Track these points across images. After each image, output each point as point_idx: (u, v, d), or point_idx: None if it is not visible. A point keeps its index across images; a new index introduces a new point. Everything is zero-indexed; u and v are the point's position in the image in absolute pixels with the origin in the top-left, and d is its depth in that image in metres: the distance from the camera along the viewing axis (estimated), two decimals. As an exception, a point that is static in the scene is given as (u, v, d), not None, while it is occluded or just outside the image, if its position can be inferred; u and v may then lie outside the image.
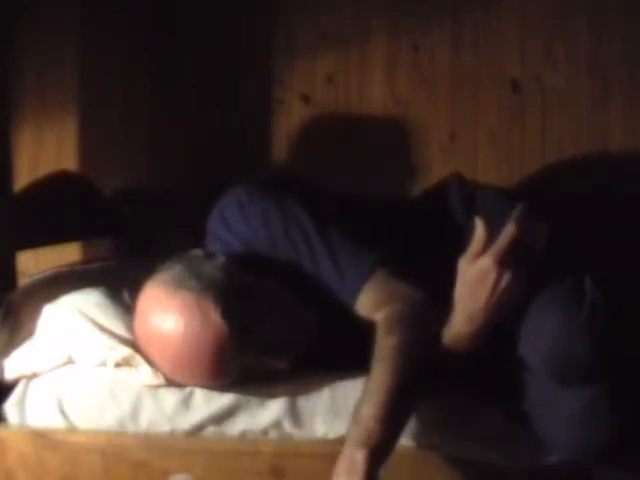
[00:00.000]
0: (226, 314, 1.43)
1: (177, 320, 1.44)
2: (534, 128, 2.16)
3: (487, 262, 1.42)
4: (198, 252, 1.54)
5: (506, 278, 1.42)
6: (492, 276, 1.42)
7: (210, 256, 1.52)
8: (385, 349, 1.41)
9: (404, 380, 1.37)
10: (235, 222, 1.57)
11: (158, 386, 1.51)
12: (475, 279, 1.43)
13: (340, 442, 1.44)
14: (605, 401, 1.42)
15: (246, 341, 1.44)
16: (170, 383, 1.51)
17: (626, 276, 1.52)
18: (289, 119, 2.26)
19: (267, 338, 1.46)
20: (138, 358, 1.51)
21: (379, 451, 1.33)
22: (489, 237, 1.43)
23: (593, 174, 2.12)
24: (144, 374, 1.50)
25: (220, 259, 1.51)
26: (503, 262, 1.42)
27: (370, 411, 1.34)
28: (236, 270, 1.50)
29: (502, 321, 1.45)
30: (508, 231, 1.42)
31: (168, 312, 1.45)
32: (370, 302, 1.49)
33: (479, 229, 1.44)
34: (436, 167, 2.18)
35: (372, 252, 1.52)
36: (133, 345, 1.53)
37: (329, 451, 1.43)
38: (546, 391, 1.44)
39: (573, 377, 1.40)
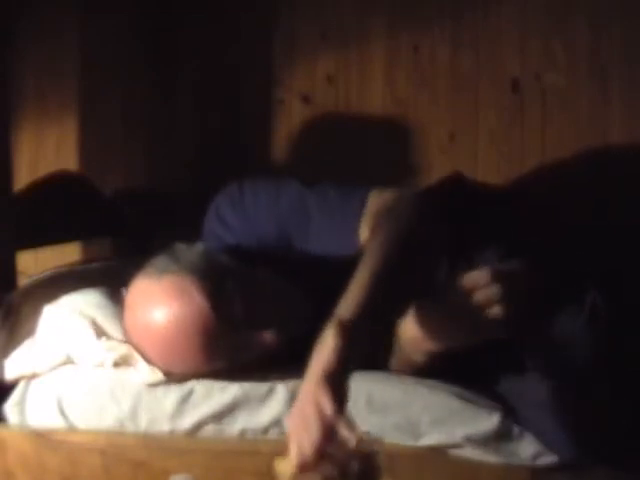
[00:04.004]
0: (206, 291, 1.43)
1: (160, 305, 1.45)
2: (534, 128, 2.16)
3: None
4: (180, 244, 1.56)
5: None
6: None
7: (190, 245, 1.54)
8: (369, 246, 1.35)
9: (386, 269, 1.29)
10: (231, 217, 1.59)
11: (157, 383, 1.51)
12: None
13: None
14: (606, 402, 1.42)
15: (230, 315, 1.44)
16: (168, 377, 1.51)
17: (626, 276, 1.52)
18: (289, 119, 2.26)
19: (252, 311, 1.46)
20: (135, 356, 1.51)
21: (352, 327, 1.22)
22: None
23: (593, 174, 2.12)
24: (142, 372, 1.51)
25: (199, 246, 1.54)
26: None
27: (345, 304, 1.25)
28: (216, 254, 1.53)
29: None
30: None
31: (151, 299, 1.46)
32: (370, 222, 1.45)
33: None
34: (436, 167, 2.18)
35: (361, 187, 1.51)
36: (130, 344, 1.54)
37: (329, 451, 1.44)
38: (546, 392, 1.44)
39: (573, 378, 1.40)
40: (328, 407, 1.15)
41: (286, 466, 1.18)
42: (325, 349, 1.20)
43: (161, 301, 1.45)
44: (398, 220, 1.40)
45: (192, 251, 1.52)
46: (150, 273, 1.49)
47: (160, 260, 1.51)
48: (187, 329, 1.43)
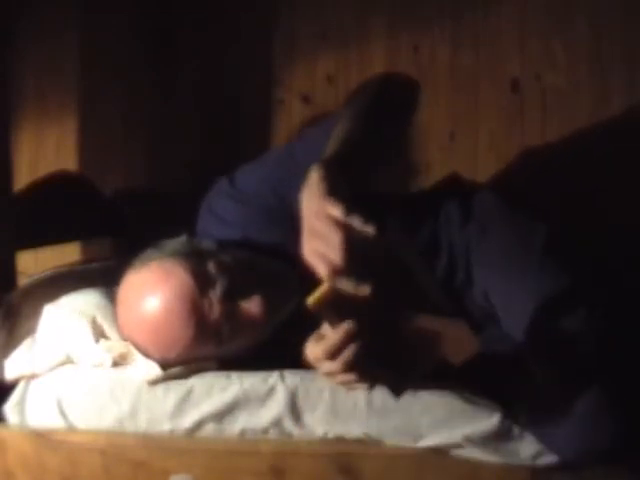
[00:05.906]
0: (190, 268, 1.46)
1: (149, 289, 1.47)
2: (534, 128, 2.16)
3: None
4: (165, 239, 1.59)
5: None
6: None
7: (174, 238, 1.58)
8: (343, 114, 1.46)
9: (356, 131, 1.39)
10: (225, 209, 1.60)
11: (157, 380, 1.51)
12: None
13: (340, 442, 1.44)
14: (606, 402, 1.42)
15: (213, 289, 1.46)
16: (166, 372, 1.50)
17: (626, 276, 1.52)
18: (289, 119, 2.26)
19: (234, 284, 1.47)
20: (134, 355, 1.52)
21: (331, 162, 1.27)
22: None
23: (593, 174, 2.12)
24: (140, 368, 1.51)
25: (182, 236, 1.57)
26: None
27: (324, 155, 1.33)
28: (197, 241, 1.56)
29: None
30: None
31: (140, 286, 1.49)
32: None
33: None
34: (436, 167, 2.19)
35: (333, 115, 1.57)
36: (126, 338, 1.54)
37: (329, 451, 1.44)
38: (546, 392, 1.44)
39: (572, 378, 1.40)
40: (336, 211, 1.15)
41: (318, 293, 1.15)
42: (312, 183, 1.21)
43: (150, 285, 1.48)
44: (366, 95, 1.51)
45: (175, 241, 1.56)
46: (137, 265, 1.52)
47: (145, 253, 1.54)
48: (176, 305, 1.45)
